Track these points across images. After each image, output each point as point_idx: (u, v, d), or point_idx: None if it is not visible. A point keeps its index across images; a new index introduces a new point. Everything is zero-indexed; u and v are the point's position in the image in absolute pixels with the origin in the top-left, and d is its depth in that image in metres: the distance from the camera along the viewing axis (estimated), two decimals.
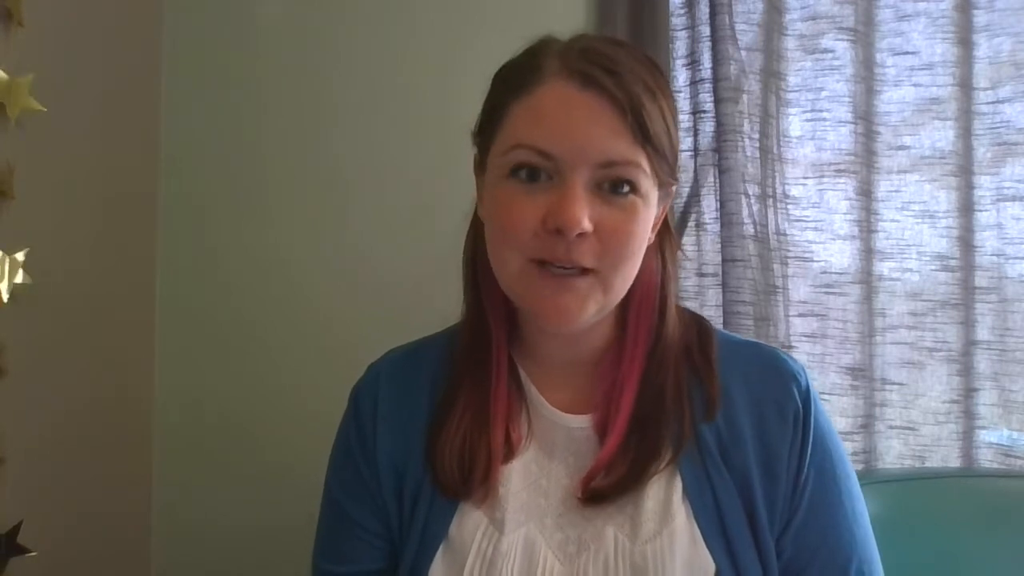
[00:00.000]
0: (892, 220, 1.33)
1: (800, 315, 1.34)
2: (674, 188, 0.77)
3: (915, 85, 1.33)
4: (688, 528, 0.71)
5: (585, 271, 0.69)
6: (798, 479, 0.73)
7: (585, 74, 0.69)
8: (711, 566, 0.70)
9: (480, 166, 0.77)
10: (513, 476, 0.74)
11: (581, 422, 0.76)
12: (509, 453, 0.75)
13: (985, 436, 1.31)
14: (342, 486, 0.80)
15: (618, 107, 0.68)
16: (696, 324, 0.80)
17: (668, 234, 0.80)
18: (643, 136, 0.69)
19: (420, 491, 0.76)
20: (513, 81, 0.73)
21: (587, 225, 0.67)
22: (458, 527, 0.74)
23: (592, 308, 0.71)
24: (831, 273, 1.33)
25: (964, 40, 1.31)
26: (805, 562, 0.73)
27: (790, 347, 1.32)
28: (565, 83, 0.70)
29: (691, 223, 1.34)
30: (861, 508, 0.76)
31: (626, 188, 0.69)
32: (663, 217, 0.77)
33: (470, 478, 0.73)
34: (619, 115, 0.68)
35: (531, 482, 0.75)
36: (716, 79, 1.30)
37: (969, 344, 1.30)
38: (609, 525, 0.72)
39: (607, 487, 0.72)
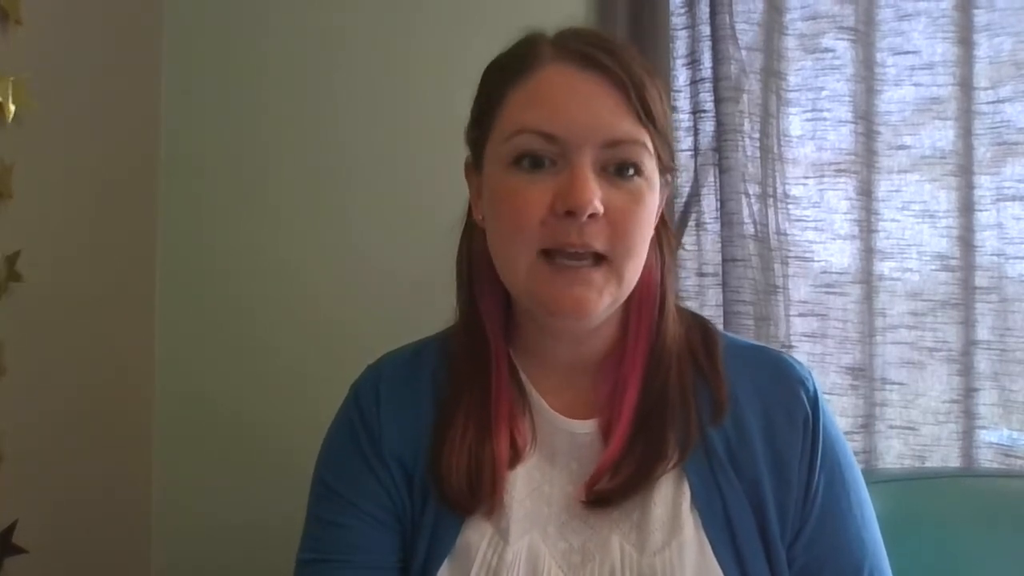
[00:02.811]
0: (892, 220, 1.33)
1: (800, 315, 1.34)
2: (671, 177, 0.76)
3: (915, 85, 1.32)
4: (697, 538, 0.69)
5: (598, 261, 0.68)
6: (809, 486, 0.72)
7: (584, 54, 0.69)
8: None
9: (474, 166, 0.75)
10: (517, 483, 0.73)
11: (586, 427, 0.74)
12: (515, 458, 0.73)
13: (985, 436, 1.31)
14: (346, 479, 0.76)
15: (621, 86, 0.67)
16: (700, 326, 0.78)
17: (666, 228, 0.78)
18: (646, 115, 0.68)
19: (428, 496, 0.73)
20: (508, 69, 0.71)
21: (598, 205, 0.66)
22: (464, 537, 0.71)
23: (607, 299, 0.69)
24: (831, 273, 1.33)
25: (965, 40, 1.30)
26: (816, 570, 0.72)
27: (790, 347, 1.32)
28: (564, 65, 0.69)
29: (691, 223, 1.34)
30: (870, 513, 0.75)
31: (631, 171, 0.68)
32: (660, 211, 0.76)
33: (478, 491, 0.71)
34: (622, 93, 0.67)
35: (534, 488, 0.73)
36: (716, 79, 1.30)
37: (969, 344, 1.30)
38: (614, 534, 0.70)
39: (612, 490, 0.70)
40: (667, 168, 0.73)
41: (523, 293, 0.71)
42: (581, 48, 0.69)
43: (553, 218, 0.67)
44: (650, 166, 0.69)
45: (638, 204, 0.69)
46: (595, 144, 0.67)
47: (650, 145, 0.69)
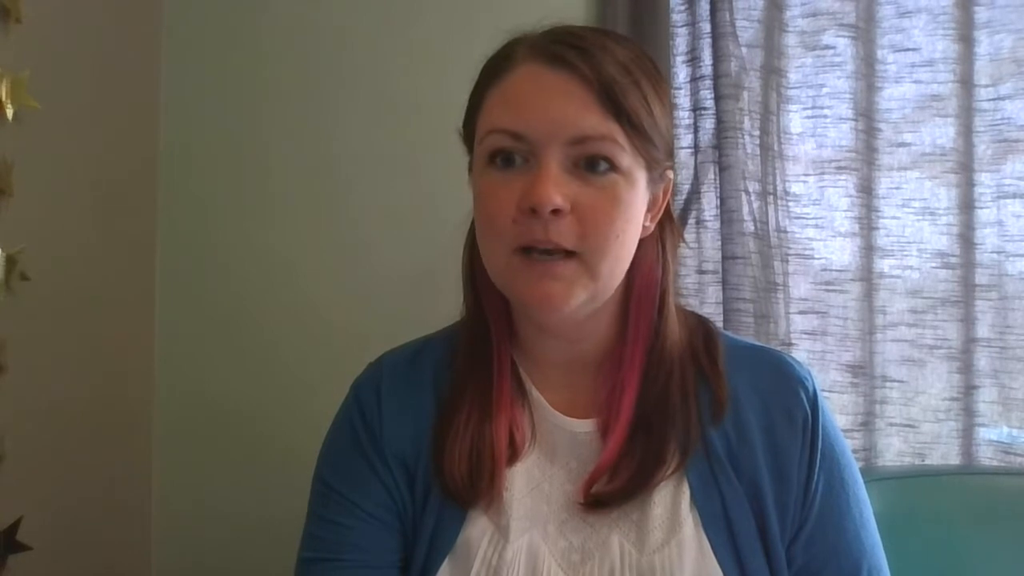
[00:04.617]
0: (892, 217, 1.33)
1: (800, 312, 1.34)
2: (670, 173, 0.75)
3: (916, 82, 1.32)
4: (696, 537, 0.70)
5: (568, 256, 0.68)
6: (808, 486, 0.72)
7: (553, 53, 0.69)
8: None
9: (471, 166, 0.76)
10: (516, 480, 0.73)
11: (585, 426, 0.74)
12: (513, 455, 0.73)
13: (985, 433, 1.31)
14: (347, 478, 0.76)
15: (586, 81, 0.67)
16: (702, 326, 0.78)
17: (670, 224, 0.78)
18: (615, 109, 0.67)
19: (430, 493, 0.74)
20: (488, 71, 0.73)
21: (559, 201, 0.66)
22: (465, 534, 0.72)
23: (580, 294, 0.69)
24: (831, 270, 1.33)
25: (965, 37, 1.30)
26: (815, 570, 0.72)
27: (790, 344, 1.32)
28: (534, 64, 0.69)
29: (691, 220, 1.34)
30: (868, 513, 0.75)
31: (603, 166, 0.68)
32: (664, 206, 0.75)
33: (477, 482, 0.72)
34: (587, 89, 0.67)
35: (533, 487, 0.73)
36: (716, 76, 1.30)
37: (969, 341, 1.30)
38: (614, 533, 0.71)
39: (610, 493, 0.71)
40: (654, 163, 0.71)
41: (503, 288, 0.72)
42: (551, 47, 0.69)
43: (522, 216, 0.67)
44: (626, 161, 0.68)
45: (610, 200, 0.68)
46: (562, 141, 0.67)
47: (623, 141, 0.68)
